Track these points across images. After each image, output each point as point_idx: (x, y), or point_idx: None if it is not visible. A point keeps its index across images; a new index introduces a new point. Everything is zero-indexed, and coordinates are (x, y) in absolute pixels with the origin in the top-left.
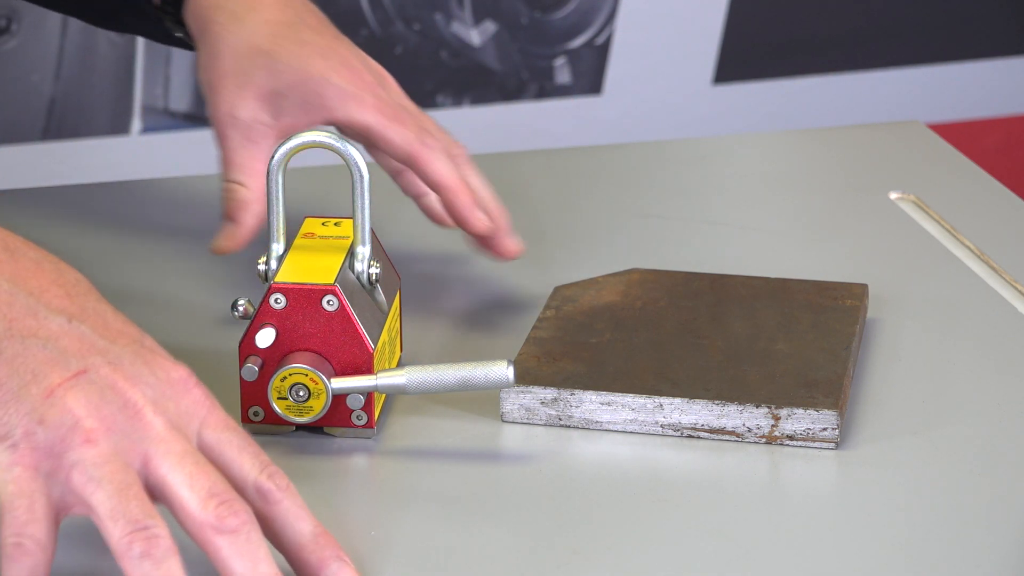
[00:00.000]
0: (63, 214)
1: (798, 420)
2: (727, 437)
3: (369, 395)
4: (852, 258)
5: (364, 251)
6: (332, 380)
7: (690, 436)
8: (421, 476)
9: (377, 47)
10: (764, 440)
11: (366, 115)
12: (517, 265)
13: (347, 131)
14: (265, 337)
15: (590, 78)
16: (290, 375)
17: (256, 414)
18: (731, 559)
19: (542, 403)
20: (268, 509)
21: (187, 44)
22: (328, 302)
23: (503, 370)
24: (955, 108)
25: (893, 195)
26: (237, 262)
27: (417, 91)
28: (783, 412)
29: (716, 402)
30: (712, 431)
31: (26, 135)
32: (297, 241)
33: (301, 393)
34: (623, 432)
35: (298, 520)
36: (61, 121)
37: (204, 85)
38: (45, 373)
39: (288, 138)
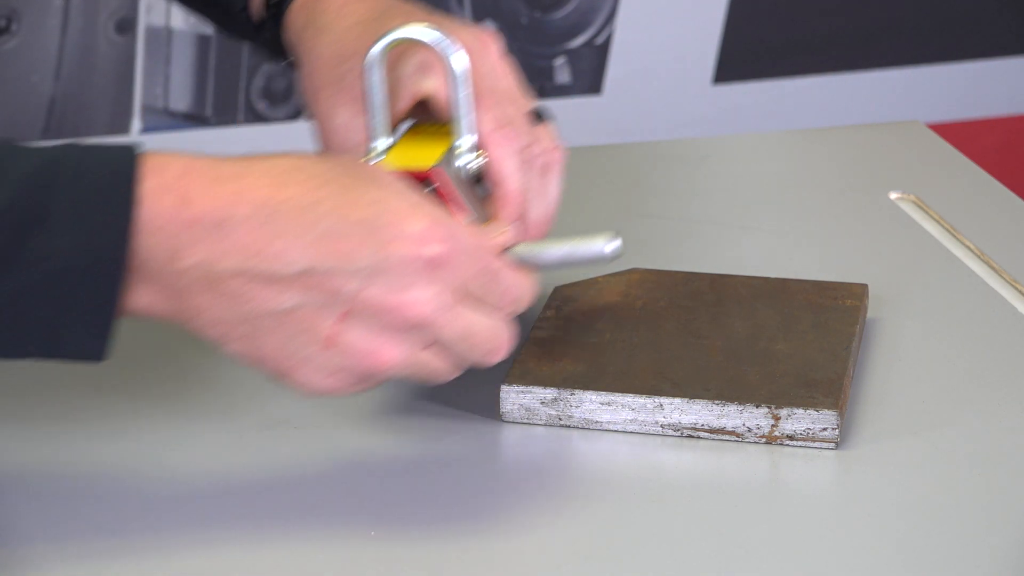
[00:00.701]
0: None
1: (798, 420)
2: (727, 437)
3: None
4: (852, 258)
5: (466, 142)
6: None
7: (690, 436)
8: (421, 476)
9: None
10: (764, 440)
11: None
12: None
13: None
14: None
15: (590, 78)
16: None
17: None
18: (731, 559)
19: (542, 403)
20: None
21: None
22: (429, 186)
23: (601, 245)
24: (955, 108)
25: (893, 195)
26: None
27: None
28: (783, 412)
29: (716, 402)
30: (712, 431)
31: (26, 135)
32: (404, 137)
33: None
34: (623, 432)
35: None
36: (61, 121)
37: (306, 108)
38: (314, 326)
39: (384, 33)
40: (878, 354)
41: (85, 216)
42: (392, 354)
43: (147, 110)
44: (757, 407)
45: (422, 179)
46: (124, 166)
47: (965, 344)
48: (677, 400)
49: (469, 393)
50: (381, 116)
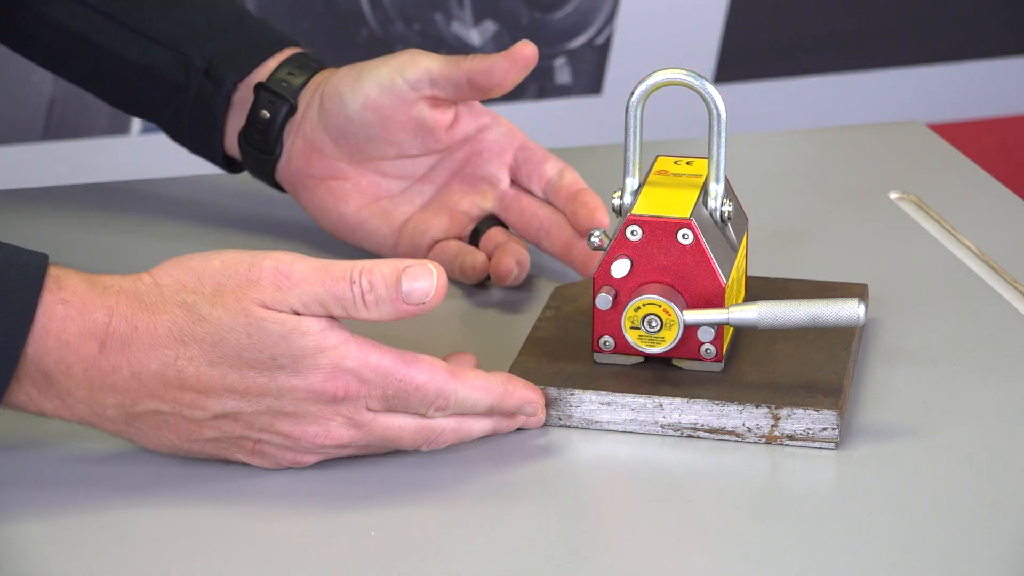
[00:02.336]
0: (63, 214)
1: (798, 420)
2: (727, 437)
3: (719, 329)
4: (852, 258)
5: (718, 188)
6: (685, 312)
7: (690, 436)
8: (420, 476)
9: (377, 47)
10: (764, 440)
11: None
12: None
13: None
14: (620, 268)
15: (590, 78)
16: (644, 305)
17: (606, 344)
18: (731, 559)
19: None
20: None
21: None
22: (683, 235)
23: (854, 308)
24: (955, 108)
25: (893, 195)
26: None
27: None
28: (783, 412)
29: (716, 402)
30: (712, 431)
31: (26, 135)
32: (651, 177)
33: (654, 324)
34: (623, 432)
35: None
36: (61, 121)
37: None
38: (236, 446)
39: (647, 76)
40: (878, 354)
41: None
42: (311, 459)
43: None
44: (757, 407)
45: (679, 227)
46: (34, 270)
47: (965, 344)
48: (677, 400)
49: None
50: (634, 156)
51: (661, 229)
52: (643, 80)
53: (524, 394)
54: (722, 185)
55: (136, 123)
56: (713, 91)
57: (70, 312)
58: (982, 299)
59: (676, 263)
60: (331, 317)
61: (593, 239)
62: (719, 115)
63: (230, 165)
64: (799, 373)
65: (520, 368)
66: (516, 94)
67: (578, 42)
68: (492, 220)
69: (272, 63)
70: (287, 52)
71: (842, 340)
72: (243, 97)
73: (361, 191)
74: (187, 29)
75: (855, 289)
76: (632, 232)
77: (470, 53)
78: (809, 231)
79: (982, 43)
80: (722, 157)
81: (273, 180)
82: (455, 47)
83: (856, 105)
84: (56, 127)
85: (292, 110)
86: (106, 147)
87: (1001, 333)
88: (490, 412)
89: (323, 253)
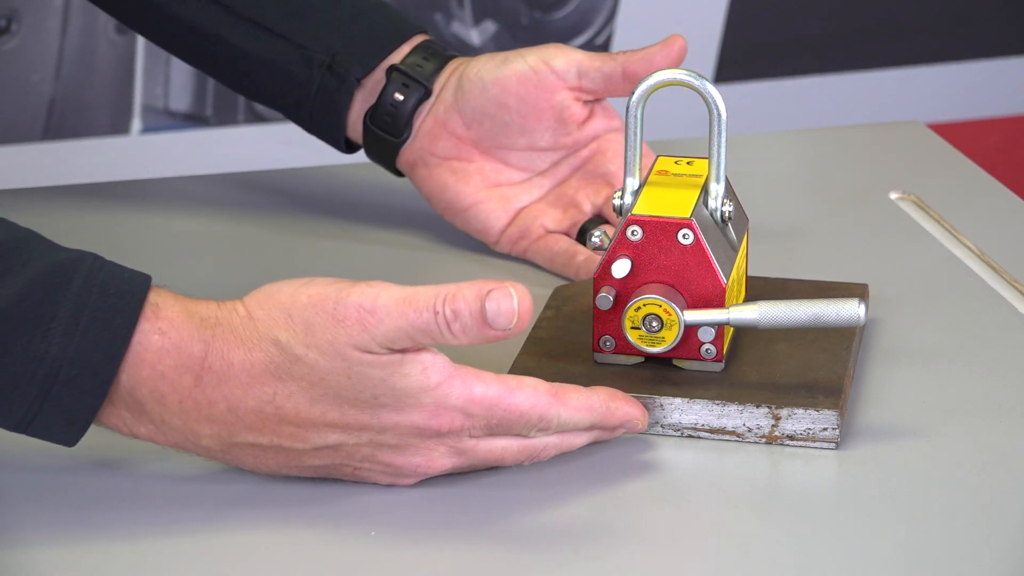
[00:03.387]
0: (63, 214)
1: (798, 420)
2: (727, 437)
3: (719, 329)
4: (852, 258)
5: (718, 188)
6: (685, 312)
7: (690, 436)
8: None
9: None
10: (764, 440)
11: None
12: (518, 265)
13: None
14: (621, 268)
15: None
16: (644, 305)
17: (607, 343)
18: (731, 559)
19: None
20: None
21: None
22: (684, 235)
23: (855, 308)
24: (955, 108)
25: (893, 195)
26: (238, 263)
27: None
28: (783, 412)
29: (716, 402)
30: (712, 431)
31: (26, 135)
32: (652, 177)
33: (654, 324)
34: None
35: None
36: (61, 121)
37: (442, 176)
38: (336, 470)
39: (647, 76)
40: (878, 354)
41: (86, 330)
42: (412, 482)
43: (147, 110)
44: (757, 407)
45: (679, 228)
46: (135, 295)
47: (965, 344)
48: (677, 400)
49: None
50: (635, 156)
51: (662, 229)
52: (643, 80)
53: (627, 411)
54: (722, 185)
55: (136, 123)
56: (713, 91)
57: (166, 344)
58: (982, 299)
59: (676, 263)
60: (430, 350)
61: (593, 239)
62: (719, 115)
63: (348, 147)
64: (799, 373)
65: (520, 368)
66: None
67: (578, 42)
68: (600, 219)
69: (405, 48)
70: (416, 39)
71: (842, 340)
72: (375, 79)
73: (483, 174)
74: (309, 22)
75: (855, 289)
76: (632, 232)
77: (470, 53)
78: (809, 231)
79: (982, 43)
80: (722, 157)
81: (393, 163)
82: (455, 47)
83: (856, 105)
84: (56, 127)
85: (427, 94)
86: (106, 147)
87: (1001, 333)
88: (592, 428)
89: (328, 247)
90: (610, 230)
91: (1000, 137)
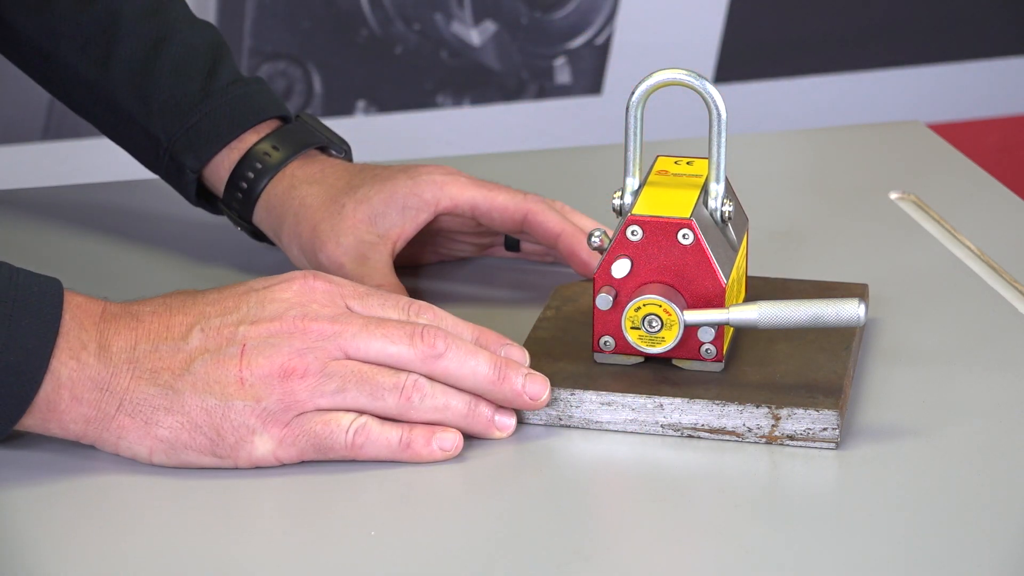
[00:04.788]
0: (63, 214)
1: (798, 420)
2: (727, 437)
3: (719, 329)
4: (852, 258)
5: (718, 188)
6: (685, 312)
7: (690, 436)
8: (420, 476)
9: (377, 47)
10: (764, 440)
11: (469, 192)
12: (518, 265)
13: (454, 214)
14: (620, 268)
15: (590, 78)
16: (644, 305)
17: (607, 343)
18: (731, 559)
19: None
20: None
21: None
22: (684, 235)
23: (855, 308)
24: (955, 108)
25: (893, 195)
26: (238, 264)
27: (417, 91)
28: (783, 412)
29: (716, 402)
30: (712, 431)
31: (26, 135)
32: (651, 177)
33: (654, 324)
34: (623, 432)
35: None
36: (61, 121)
37: (304, 253)
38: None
39: (647, 76)
40: (878, 354)
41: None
42: (303, 362)
43: None
44: (757, 407)
45: (679, 228)
46: (53, 290)
47: (965, 344)
48: (677, 400)
49: None
50: (634, 156)
51: (661, 229)
52: (643, 80)
53: (511, 351)
54: (722, 185)
55: None
56: (713, 91)
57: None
58: (982, 299)
59: (676, 263)
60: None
61: (593, 239)
62: (719, 115)
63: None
64: (799, 373)
65: None
66: (516, 94)
67: (578, 42)
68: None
69: (250, 137)
70: (265, 127)
71: (842, 340)
72: (228, 159)
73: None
74: (155, 103)
75: (855, 289)
76: (632, 232)
77: (471, 52)
78: (809, 231)
79: (982, 43)
80: (722, 157)
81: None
82: (455, 47)
83: (856, 105)
84: (56, 127)
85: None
86: (106, 147)
87: (1001, 333)
88: (476, 342)
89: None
90: (609, 230)
91: (1000, 137)
